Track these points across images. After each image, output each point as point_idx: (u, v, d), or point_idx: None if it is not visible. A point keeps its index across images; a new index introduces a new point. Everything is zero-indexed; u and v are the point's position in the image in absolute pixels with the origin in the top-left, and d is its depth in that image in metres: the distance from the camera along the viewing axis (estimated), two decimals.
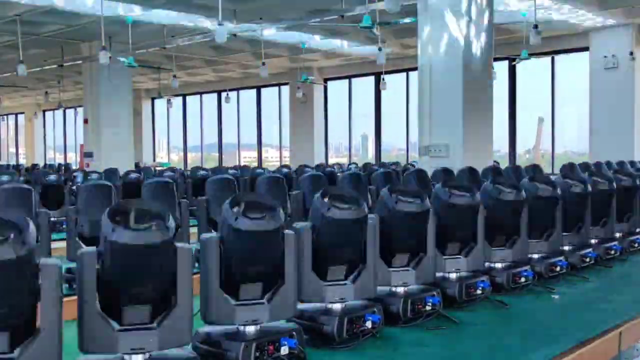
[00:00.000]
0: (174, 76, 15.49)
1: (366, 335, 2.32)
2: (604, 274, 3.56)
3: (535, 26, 9.90)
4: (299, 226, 2.33)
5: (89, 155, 15.46)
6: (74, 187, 6.52)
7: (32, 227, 1.67)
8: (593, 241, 3.76)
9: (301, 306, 2.36)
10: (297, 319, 2.31)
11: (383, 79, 16.15)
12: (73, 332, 1.81)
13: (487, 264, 3.10)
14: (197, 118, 24.78)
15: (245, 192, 5.63)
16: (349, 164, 13.93)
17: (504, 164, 12.92)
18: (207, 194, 4.43)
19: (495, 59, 10.87)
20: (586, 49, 14.47)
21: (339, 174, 7.37)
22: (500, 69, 14.47)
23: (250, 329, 2.11)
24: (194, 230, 4.58)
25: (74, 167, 19.10)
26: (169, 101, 20.75)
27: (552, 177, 3.68)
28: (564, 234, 3.51)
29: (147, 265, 1.86)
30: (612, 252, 3.79)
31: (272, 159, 23.04)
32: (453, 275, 2.88)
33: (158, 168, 17.86)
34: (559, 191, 3.37)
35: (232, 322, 2.11)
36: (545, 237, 3.36)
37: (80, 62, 15.75)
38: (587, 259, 3.56)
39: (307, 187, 4.71)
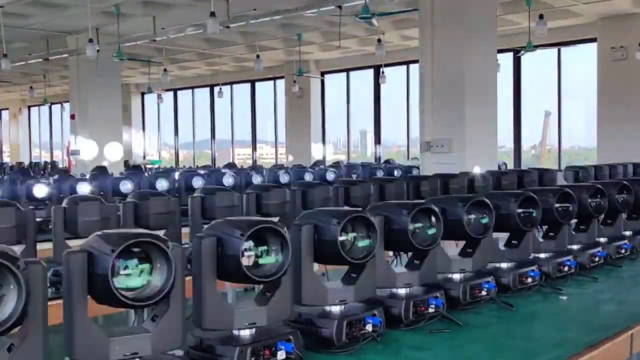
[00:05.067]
0: (165, 70, 15.29)
1: (367, 339, 2.24)
2: (614, 273, 3.47)
3: (541, 16, 9.75)
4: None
5: (75, 153, 15.25)
6: None
7: None
8: (602, 240, 3.67)
9: (299, 308, 2.28)
10: (295, 322, 2.23)
11: (382, 72, 16.01)
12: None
13: (492, 264, 3.01)
14: (189, 114, 24.55)
15: None
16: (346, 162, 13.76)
17: (509, 160, 12.74)
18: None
19: (500, 51, 10.68)
20: (594, 39, 14.17)
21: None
22: (505, 60, 14.14)
23: (246, 333, 2.02)
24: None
25: (60, 166, 18.90)
26: (159, 96, 20.53)
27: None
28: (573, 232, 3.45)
29: None
30: (622, 251, 3.71)
31: (267, 156, 22.85)
32: (457, 276, 2.78)
33: (148, 166, 17.72)
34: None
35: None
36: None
37: (66, 55, 15.50)
38: (597, 259, 3.47)
39: None
